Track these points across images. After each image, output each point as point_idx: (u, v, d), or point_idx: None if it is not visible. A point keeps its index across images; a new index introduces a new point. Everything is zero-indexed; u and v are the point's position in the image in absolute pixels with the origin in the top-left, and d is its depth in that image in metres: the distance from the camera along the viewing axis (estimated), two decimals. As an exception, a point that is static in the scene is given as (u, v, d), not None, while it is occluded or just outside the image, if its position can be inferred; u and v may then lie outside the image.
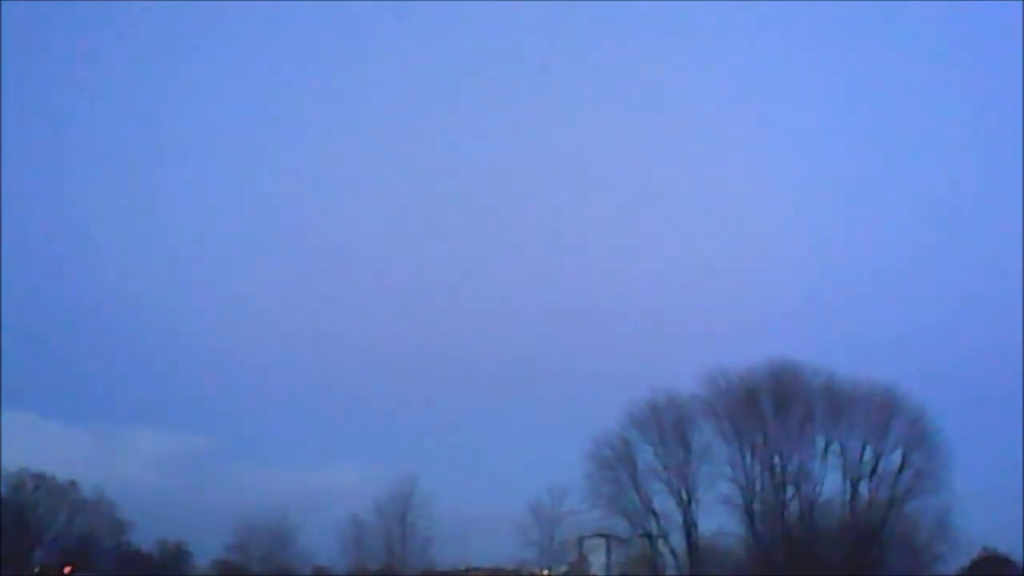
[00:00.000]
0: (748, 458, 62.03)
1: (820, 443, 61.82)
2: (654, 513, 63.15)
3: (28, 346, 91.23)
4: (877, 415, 61.57)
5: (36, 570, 73.79)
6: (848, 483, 61.56)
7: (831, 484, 61.75)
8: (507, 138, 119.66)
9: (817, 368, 62.68)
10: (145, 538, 79.66)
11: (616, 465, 63.71)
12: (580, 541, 65.73)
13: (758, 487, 61.84)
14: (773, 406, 62.38)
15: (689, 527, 62.56)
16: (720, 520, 62.68)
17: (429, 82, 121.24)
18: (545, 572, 68.69)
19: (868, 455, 61.51)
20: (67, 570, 73.16)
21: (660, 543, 63.28)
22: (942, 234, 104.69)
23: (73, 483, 76.18)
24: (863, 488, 61.59)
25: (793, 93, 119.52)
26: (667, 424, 63.71)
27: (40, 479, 75.20)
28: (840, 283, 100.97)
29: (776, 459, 61.82)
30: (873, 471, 61.46)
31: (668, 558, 63.52)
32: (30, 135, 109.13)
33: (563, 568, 69.21)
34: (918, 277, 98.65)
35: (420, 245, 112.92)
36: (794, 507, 61.71)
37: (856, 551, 60.16)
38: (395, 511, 70.62)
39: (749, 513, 61.64)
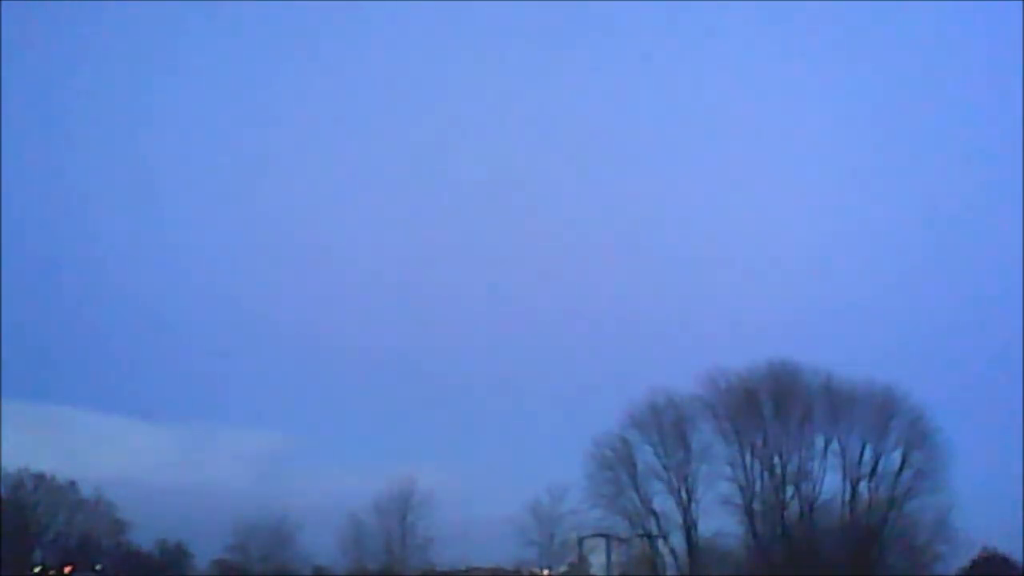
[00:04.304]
0: (748, 458, 62.08)
1: (820, 443, 61.93)
2: (654, 513, 63.20)
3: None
4: (877, 415, 61.61)
5: (36, 570, 73.84)
6: (848, 483, 61.67)
7: (831, 484, 61.92)
8: (506, 140, 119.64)
9: (817, 368, 62.74)
10: (145, 538, 79.89)
11: (616, 465, 63.76)
12: (580, 541, 65.71)
13: (758, 487, 61.89)
14: (773, 406, 62.41)
15: (689, 527, 62.61)
16: (720, 520, 62.85)
17: (430, 81, 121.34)
18: (545, 572, 68.74)
19: (868, 455, 61.65)
20: (67, 570, 73.24)
21: (660, 543, 63.37)
22: (942, 235, 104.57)
23: (73, 483, 76.30)
24: (863, 488, 61.68)
25: (793, 93, 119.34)
26: (667, 424, 63.75)
27: (40, 479, 75.26)
28: (840, 284, 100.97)
29: (776, 459, 61.87)
30: (873, 471, 61.52)
31: (668, 558, 63.57)
32: (30, 135, 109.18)
33: (563, 568, 69.27)
34: (918, 278, 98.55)
35: (419, 244, 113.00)
36: (794, 507, 61.77)
37: (856, 551, 60.18)
38: (395, 511, 70.77)
39: (749, 513, 61.68)
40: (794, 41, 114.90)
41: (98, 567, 76.58)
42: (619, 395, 65.93)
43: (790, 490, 61.68)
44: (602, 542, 64.18)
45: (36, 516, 74.94)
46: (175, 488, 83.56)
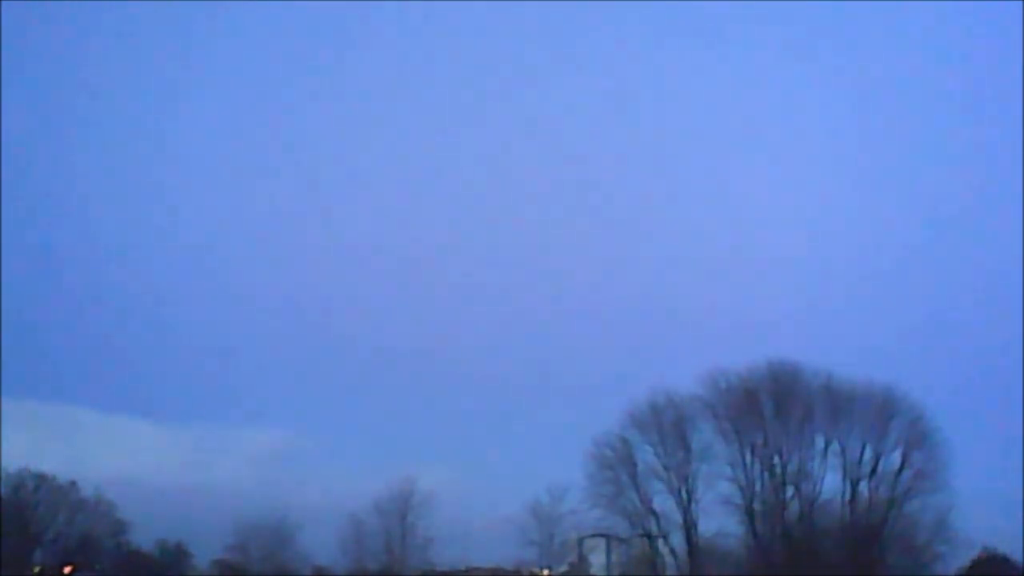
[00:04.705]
0: (748, 458, 62.04)
1: (820, 443, 61.87)
2: (654, 513, 63.17)
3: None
4: (877, 415, 61.58)
5: (36, 570, 73.85)
6: (848, 483, 61.59)
7: (831, 484, 61.84)
8: (508, 139, 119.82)
9: (817, 368, 62.74)
10: (145, 538, 79.89)
11: (616, 465, 63.73)
12: (580, 541, 65.77)
13: (758, 487, 61.85)
14: (773, 406, 62.37)
15: (689, 527, 62.56)
16: (720, 520, 62.78)
17: (429, 82, 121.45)
18: (545, 572, 68.74)
19: (868, 455, 61.58)
20: (67, 570, 73.24)
21: (660, 543, 63.32)
22: (942, 234, 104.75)
23: (73, 483, 76.24)
24: (863, 488, 61.61)
25: (793, 93, 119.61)
26: (667, 424, 63.72)
27: (40, 479, 75.25)
28: (840, 283, 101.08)
29: (776, 459, 61.84)
30: (873, 471, 61.46)
31: (668, 558, 63.55)
32: (30, 135, 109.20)
33: (563, 568, 69.29)
34: (918, 277, 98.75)
35: (420, 245, 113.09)
36: (794, 507, 61.72)
37: (856, 551, 60.17)
38: (395, 511, 70.77)
39: (749, 513, 61.64)
40: (794, 41, 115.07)
41: (98, 567, 76.54)
42: (619, 395, 66.10)
43: (790, 490, 61.66)
44: (602, 542, 64.23)
45: (36, 516, 74.92)
46: (175, 488, 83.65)
